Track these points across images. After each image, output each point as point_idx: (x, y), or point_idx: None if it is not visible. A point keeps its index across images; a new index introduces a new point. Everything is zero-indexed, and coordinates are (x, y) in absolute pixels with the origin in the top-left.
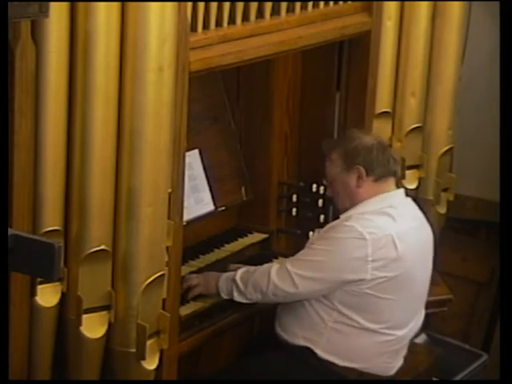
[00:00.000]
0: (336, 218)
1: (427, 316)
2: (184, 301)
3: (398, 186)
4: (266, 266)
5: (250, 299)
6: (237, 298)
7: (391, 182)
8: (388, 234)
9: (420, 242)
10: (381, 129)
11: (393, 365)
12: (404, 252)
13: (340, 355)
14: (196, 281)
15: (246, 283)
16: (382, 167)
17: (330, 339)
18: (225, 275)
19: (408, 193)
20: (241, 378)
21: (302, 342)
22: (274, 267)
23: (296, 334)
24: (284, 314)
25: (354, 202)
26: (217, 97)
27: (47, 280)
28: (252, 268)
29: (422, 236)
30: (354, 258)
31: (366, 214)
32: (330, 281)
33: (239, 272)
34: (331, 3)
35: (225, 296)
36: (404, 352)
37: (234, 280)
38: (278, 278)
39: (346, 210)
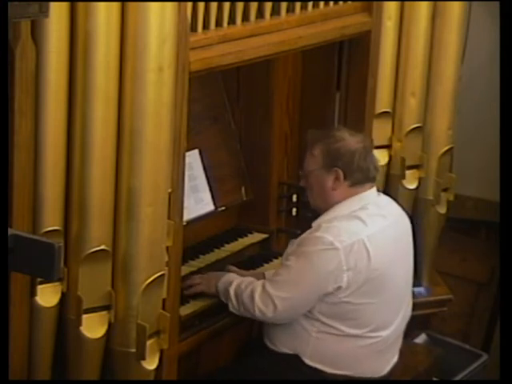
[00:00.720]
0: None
1: (427, 316)
2: (184, 300)
3: (378, 190)
4: (251, 287)
5: (243, 315)
6: (231, 309)
7: (367, 187)
8: (359, 239)
9: (394, 240)
10: (381, 129)
11: (383, 364)
12: (377, 254)
13: (327, 363)
14: (198, 280)
15: (238, 300)
16: (360, 173)
17: (315, 348)
18: (223, 280)
19: (407, 193)
20: (236, 377)
21: (288, 351)
22: (257, 290)
23: (283, 344)
24: (270, 326)
25: (326, 203)
26: (217, 97)
27: (47, 280)
28: (244, 283)
29: (396, 233)
30: (329, 270)
31: (336, 221)
32: (309, 297)
33: (233, 285)
34: (331, 3)
35: (223, 300)
36: (396, 349)
37: (228, 291)
38: (262, 302)
39: (315, 206)
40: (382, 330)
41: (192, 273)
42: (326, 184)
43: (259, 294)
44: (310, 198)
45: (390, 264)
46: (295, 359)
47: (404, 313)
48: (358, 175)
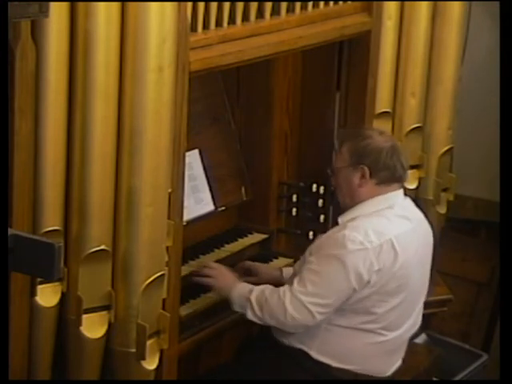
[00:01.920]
0: (336, 221)
1: (427, 316)
2: (184, 300)
3: (405, 191)
4: (277, 295)
5: (266, 323)
6: (250, 317)
7: (395, 186)
8: (388, 240)
9: (417, 243)
10: (381, 129)
11: (388, 365)
12: (402, 254)
13: (334, 357)
14: (214, 272)
15: (262, 308)
16: (387, 171)
17: (324, 341)
18: (239, 288)
19: (407, 193)
20: (236, 377)
21: (297, 345)
22: (287, 299)
23: (291, 336)
24: None
25: (353, 200)
26: (217, 97)
27: (47, 280)
28: (267, 291)
29: (419, 237)
30: (361, 271)
31: (362, 219)
32: (342, 299)
33: (254, 293)
34: (331, 3)
35: (235, 308)
36: (401, 353)
37: (249, 300)
38: (296, 311)
39: (344, 205)
40: (393, 329)
41: (192, 273)
42: (353, 181)
43: (290, 301)
44: (339, 196)
45: (413, 266)
46: (299, 355)
47: (415, 318)
48: (385, 173)
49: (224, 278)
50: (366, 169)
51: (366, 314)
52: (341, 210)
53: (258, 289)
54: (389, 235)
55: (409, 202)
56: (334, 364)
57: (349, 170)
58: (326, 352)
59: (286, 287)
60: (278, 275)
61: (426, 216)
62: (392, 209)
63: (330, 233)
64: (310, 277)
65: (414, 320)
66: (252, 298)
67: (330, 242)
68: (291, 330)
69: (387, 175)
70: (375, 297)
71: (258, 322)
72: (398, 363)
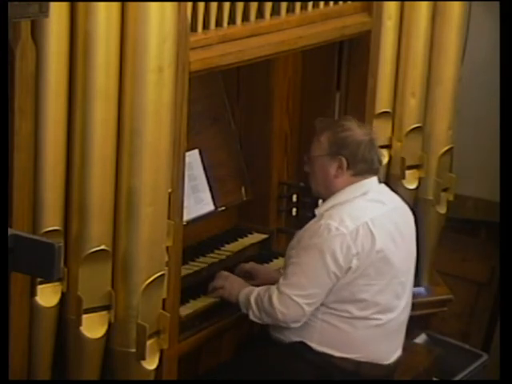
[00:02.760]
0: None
1: (427, 316)
2: (184, 300)
3: (380, 181)
4: (268, 293)
5: (265, 323)
6: (252, 318)
7: (370, 178)
8: (363, 223)
9: (395, 225)
10: (381, 129)
11: (389, 351)
12: (380, 237)
13: (335, 346)
14: (222, 283)
15: (259, 309)
16: (364, 164)
17: (322, 332)
18: (244, 291)
19: (407, 193)
20: (237, 374)
21: (296, 338)
22: (274, 295)
23: (290, 331)
24: None
25: (328, 190)
26: (217, 97)
27: (47, 280)
28: (262, 291)
29: (397, 219)
30: (340, 256)
31: (337, 207)
32: (327, 287)
33: (253, 295)
34: (331, 3)
35: (244, 311)
36: (401, 338)
37: (249, 301)
38: (282, 305)
39: (316, 192)
40: (387, 312)
41: (192, 273)
42: (329, 171)
43: (277, 297)
44: (312, 184)
45: (391, 248)
46: (299, 348)
47: (407, 300)
48: (362, 166)
49: (233, 286)
50: (343, 160)
51: (354, 301)
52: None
53: (257, 290)
54: (364, 218)
55: (383, 187)
56: (336, 354)
57: (326, 159)
58: (327, 342)
59: (274, 285)
60: (277, 276)
61: (424, 214)
62: (366, 195)
63: (307, 225)
64: (291, 270)
65: (407, 301)
66: (251, 298)
67: (307, 234)
68: (286, 325)
69: (364, 168)
70: (359, 281)
71: (259, 321)
72: (399, 352)
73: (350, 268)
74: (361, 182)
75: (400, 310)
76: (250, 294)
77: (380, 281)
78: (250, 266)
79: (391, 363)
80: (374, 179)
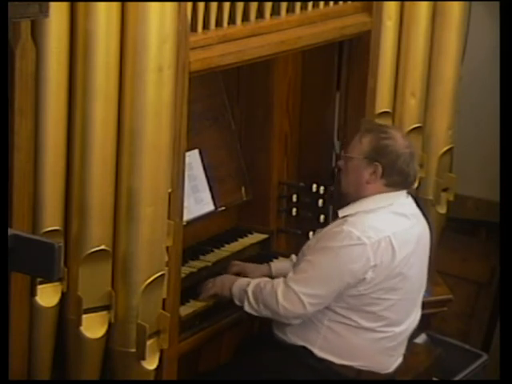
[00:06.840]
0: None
1: (427, 316)
2: (184, 300)
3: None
4: (271, 284)
5: (262, 315)
6: (247, 309)
7: (401, 191)
8: (386, 236)
9: (415, 240)
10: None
11: (391, 362)
12: (400, 252)
13: (337, 353)
14: (210, 284)
15: (257, 300)
16: (399, 177)
17: (326, 338)
18: (238, 282)
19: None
20: (238, 377)
21: (299, 342)
22: (279, 288)
23: (293, 333)
24: None
25: (357, 193)
26: (217, 97)
27: (47, 280)
28: (262, 282)
29: (417, 234)
30: (357, 266)
31: (362, 215)
32: (335, 292)
33: (251, 285)
34: (331, 3)
35: (238, 303)
36: (403, 349)
37: (245, 292)
38: (286, 300)
39: (345, 191)
40: (394, 326)
41: (192, 273)
42: (363, 175)
43: (283, 291)
44: (343, 182)
45: (410, 263)
46: (302, 352)
47: (415, 315)
48: (396, 178)
49: (223, 282)
50: (379, 167)
51: (364, 312)
52: (342, 198)
53: (254, 281)
54: (387, 232)
55: (409, 199)
56: (337, 361)
57: (363, 162)
58: (329, 349)
59: (281, 278)
60: (266, 271)
61: (425, 215)
62: (391, 207)
63: (329, 227)
64: (303, 266)
65: (414, 316)
66: (249, 289)
67: (327, 236)
68: (285, 320)
69: (398, 180)
70: (372, 294)
71: (254, 313)
72: (400, 360)
73: (364, 279)
74: (391, 193)
75: (407, 324)
76: (246, 285)
77: (393, 296)
78: (237, 265)
79: (391, 372)
80: (403, 192)
